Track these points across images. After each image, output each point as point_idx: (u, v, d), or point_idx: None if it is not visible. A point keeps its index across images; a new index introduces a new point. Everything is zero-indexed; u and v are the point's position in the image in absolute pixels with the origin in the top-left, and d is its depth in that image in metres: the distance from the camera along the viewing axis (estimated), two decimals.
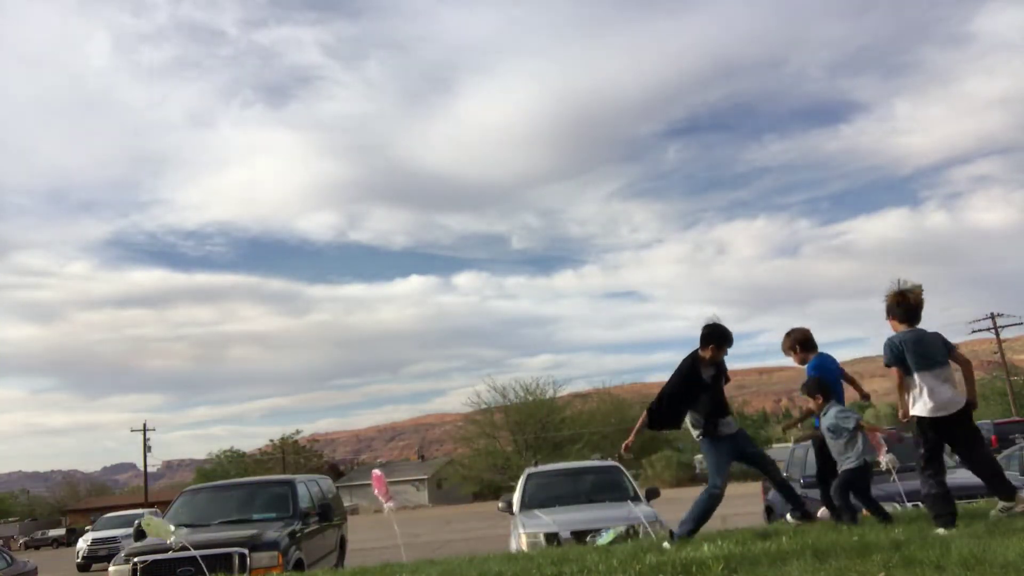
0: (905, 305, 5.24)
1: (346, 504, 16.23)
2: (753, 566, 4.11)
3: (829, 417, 5.83)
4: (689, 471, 53.58)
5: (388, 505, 11.20)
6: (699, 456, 56.52)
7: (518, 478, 10.78)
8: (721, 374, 6.05)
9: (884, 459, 6.27)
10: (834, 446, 5.82)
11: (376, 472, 11.84)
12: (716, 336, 5.86)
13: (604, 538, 7.36)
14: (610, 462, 11.70)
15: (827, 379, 6.03)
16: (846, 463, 5.70)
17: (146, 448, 57.85)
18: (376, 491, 11.05)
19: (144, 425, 58.44)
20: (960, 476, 8.71)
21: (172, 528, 7.40)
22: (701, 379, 5.90)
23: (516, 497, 9.86)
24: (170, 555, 7.43)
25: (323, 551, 9.91)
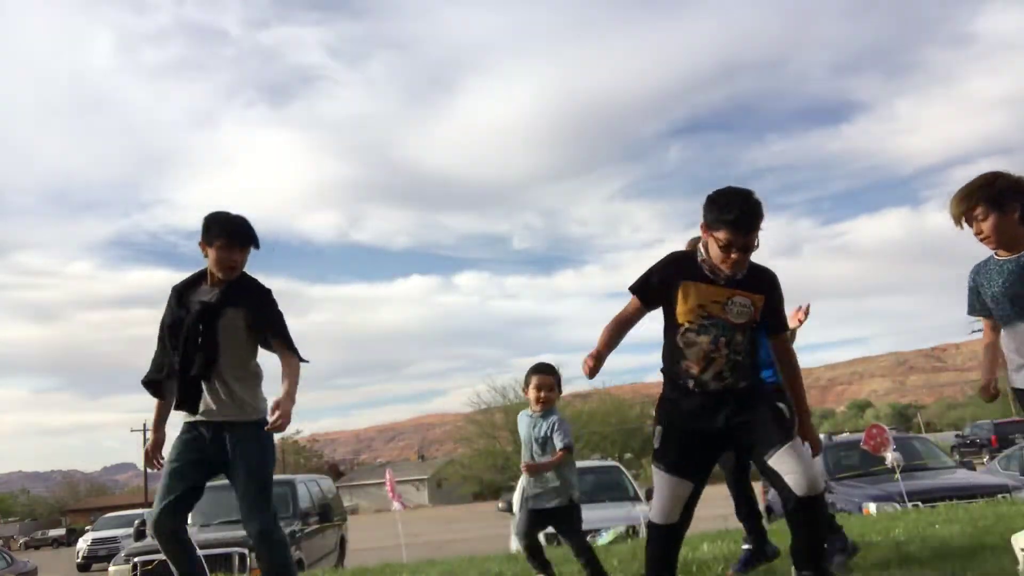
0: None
1: (346, 504, 16.23)
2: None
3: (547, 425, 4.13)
4: None
5: (396, 506, 11.26)
6: None
7: (518, 478, 10.79)
8: (224, 306, 3.44)
9: (890, 456, 6.24)
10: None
11: (390, 473, 11.91)
12: (207, 223, 3.51)
13: (604, 538, 7.37)
14: (610, 462, 11.75)
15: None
16: (544, 501, 4.07)
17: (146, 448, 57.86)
18: (389, 492, 11.13)
19: (144, 425, 58.37)
20: (960, 476, 8.72)
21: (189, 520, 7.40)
22: (181, 305, 3.48)
23: (516, 497, 9.86)
24: None
25: (323, 551, 9.92)
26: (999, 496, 7.46)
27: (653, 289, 3.17)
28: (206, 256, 3.50)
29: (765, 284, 3.15)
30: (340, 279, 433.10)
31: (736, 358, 3.05)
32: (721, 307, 3.06)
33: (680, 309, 3.08)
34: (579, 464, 12.47)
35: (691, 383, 3.06)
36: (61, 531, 55.48)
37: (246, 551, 7.62)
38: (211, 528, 8.82)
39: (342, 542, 11.30)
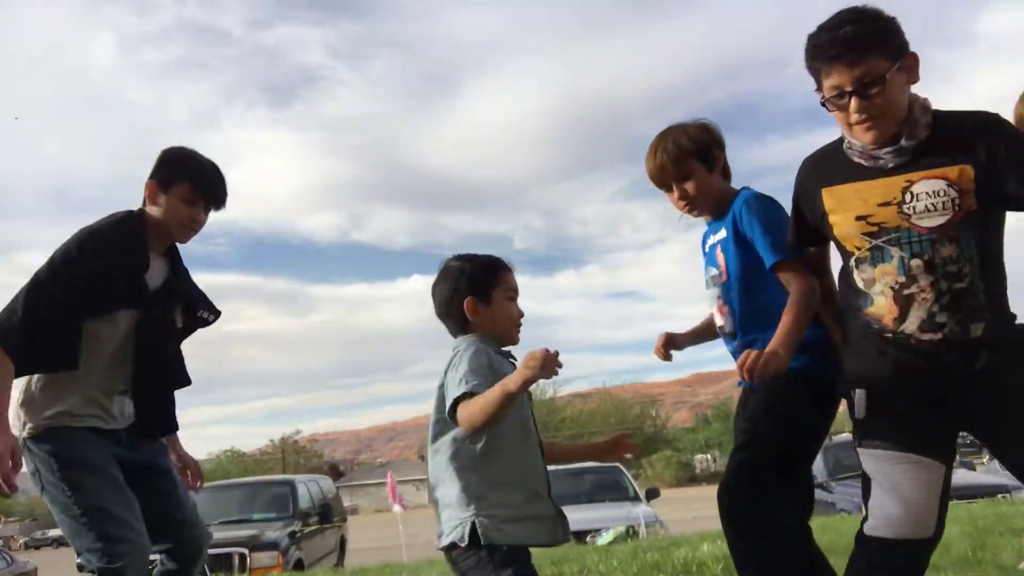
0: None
1: (346, 504, 16.25)
2: None
3: None
4: (689, 471, 53.55)
5: (397, 508, 11.32)
6: (700, 456, 56.65)
7: None
8: (179, 298, 2.47)
9: None
10: None
11: (391, 476, 12.02)
12: (173, 164, 2.41)
13: (604, 538, 7.37)
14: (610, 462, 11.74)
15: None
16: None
17: None
18: (391, 496, 11.22)
19: None
20: (960, 476, 8.72)
21: None
22: (136, 278, 2.26)
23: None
24: None
25: (323, 551, 9.92)
26: (999, 496, 7.47)
27: (806, 223, 2.02)
28: (153, 203, 2.36)
29: (966, 138, 1.79)
30: (341, 279, 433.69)
31: (955, 286, 1.80)
32: (895, 209, 1.80)
33: (838, 232, 1.92)
34: (579, 464, 12.49)
35: (887, 337, 1.88)
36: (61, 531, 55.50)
37: (246, 551, 7.63)
38: (211, 528, 8.83)
39: (342, 542, 11.30)
